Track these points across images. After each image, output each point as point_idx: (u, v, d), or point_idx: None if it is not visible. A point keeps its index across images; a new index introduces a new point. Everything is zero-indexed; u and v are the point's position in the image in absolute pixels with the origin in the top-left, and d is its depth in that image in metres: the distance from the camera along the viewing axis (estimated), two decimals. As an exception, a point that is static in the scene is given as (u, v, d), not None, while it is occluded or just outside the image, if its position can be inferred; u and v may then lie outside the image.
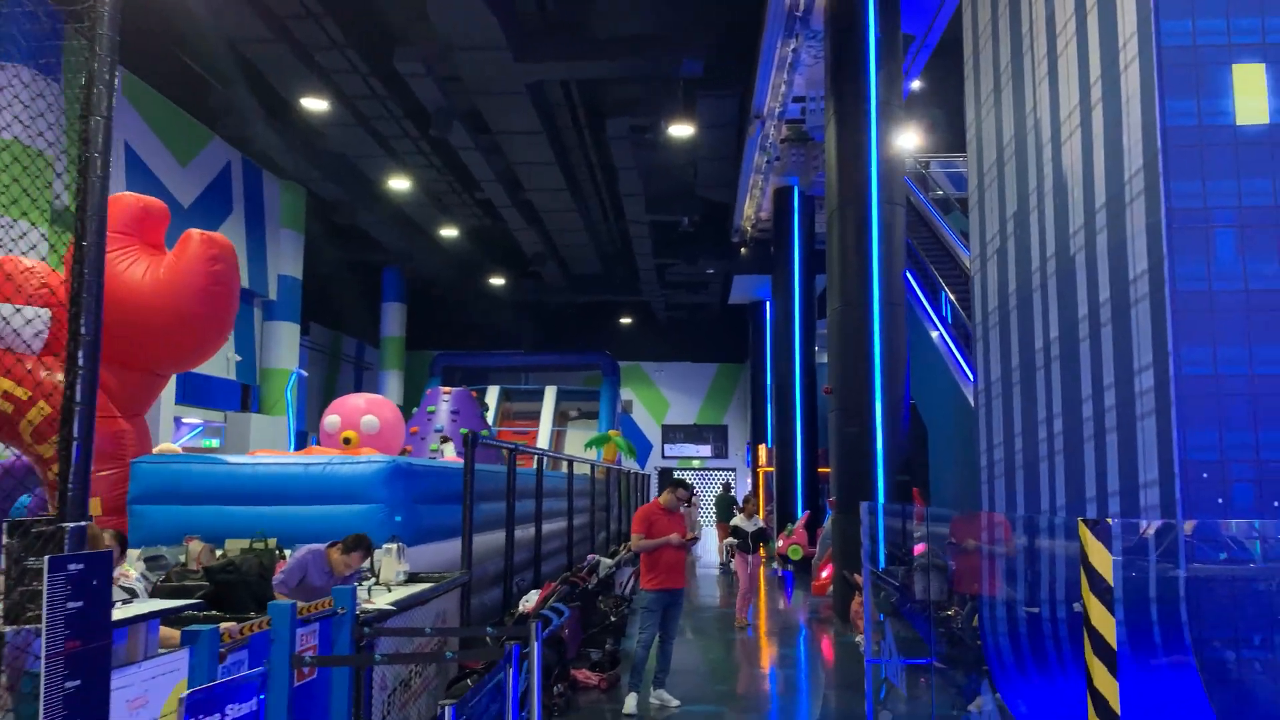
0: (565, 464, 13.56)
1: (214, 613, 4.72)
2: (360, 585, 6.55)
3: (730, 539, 14.38)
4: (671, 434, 35.88)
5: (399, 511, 7.31)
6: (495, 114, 15.84)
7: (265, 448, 17.08)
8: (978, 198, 8.14)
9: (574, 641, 6.92)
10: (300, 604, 4.40)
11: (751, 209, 20.67)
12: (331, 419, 13.54)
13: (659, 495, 7.68)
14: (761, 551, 12.14)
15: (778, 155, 17.57)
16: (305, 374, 20.44)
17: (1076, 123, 5.67)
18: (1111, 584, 2.59)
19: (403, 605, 5.39)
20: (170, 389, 14.54)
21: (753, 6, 13.55)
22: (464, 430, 6.92)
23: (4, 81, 9.42)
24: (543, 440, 26.23)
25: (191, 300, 7.04)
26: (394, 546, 6.82)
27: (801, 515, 18.74)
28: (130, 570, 5.30)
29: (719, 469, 36.02)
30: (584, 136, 18.02)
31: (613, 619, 8.11)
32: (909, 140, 20.47)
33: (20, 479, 7.90)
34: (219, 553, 6.94)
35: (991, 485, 7.33)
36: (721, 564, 20.86)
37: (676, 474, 36.34)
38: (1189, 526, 4.27)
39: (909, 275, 15.15)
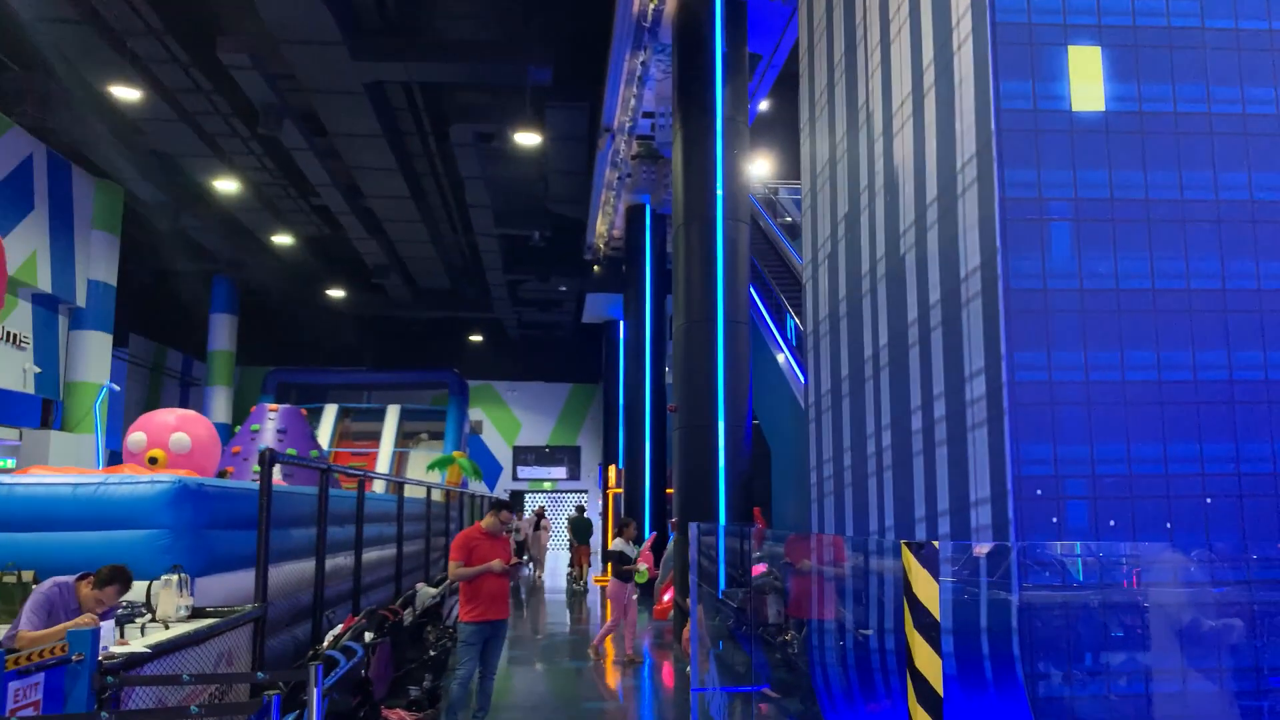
0: (386, 486, 12.80)
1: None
2: (134, 623, 5.74)
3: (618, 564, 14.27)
4: (523, 455, 35.19)
5: (185, 538, 6.51)
6: (331, 114, 14.97)
7: (68, 465, 15.49)
8: (810, 202, 8.00)
9: (383, 680, 6.29)
10: (12, 649, 3.66)
11: (604, 226, 20.41)
12: (136, 436, 12.37)
13: (483, 518, 7.14)
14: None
15: (629, 172, 17.37)
16: (117, 388, 18.77)
17: (909, 113, 5.50)
18: (938, 618, 2.29)
19: (166, 647, 4.65)
20: (-53, 402, 12.95)
21: (603, 16, 13.28)
22: (262, 448, 6.20)
23: None
24: (383, 462, 25.11)
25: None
26: (174, 578, 6.03)
27: (648, 537, 18.43)
28: None
29: (572, 491, 35.57)
30: (428, 143, 17.33)
31: (432, 653, 7.49)
32: (760, 167, 20.71)
33: None
34: (-40, 588, 5.98)
35: (821, 504, 7.13)
36: (573, 589, 20.35)
37: (529, 497, 35.68)
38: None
39: (756, 298, 15.16)
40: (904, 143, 5.56)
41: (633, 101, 14.63)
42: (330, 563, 9.77)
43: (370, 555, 11.67)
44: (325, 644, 6.48)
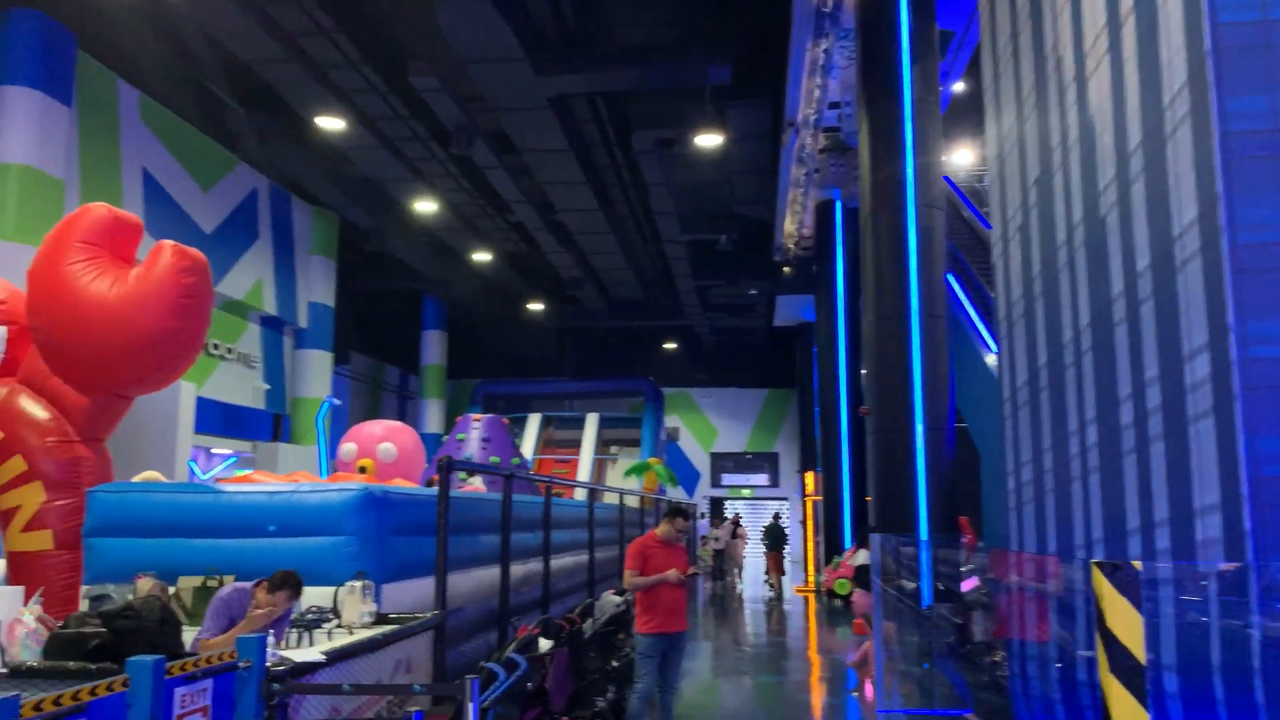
0: (587, 493, 12.86)
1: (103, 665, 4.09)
2: (321, 628, 5.89)
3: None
4: (721, 462, 34.95)
5: (370, 544, 6.65)
6: (519, 131, 15.33)
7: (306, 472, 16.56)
8: (996, 170, 7.20)
9: (561, 691, 6.17)
10: (189, 654, 3.74)
11: (793, 225, 19.88)
12: (347, 447, 13.05)
13: (658, 525, 6.91)
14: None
15: (816, 167, 16.80)
16: (338, 402, 20.07)
17: (1104, 48, 4.71)
18: (1141, 659, 1.80)
19: (339, 654, 4.69)
20: (189, 417, 14.16)
21: (780, 7, 12.86)
22: (466, 456, 6.22)
23: (16, 105, 8.99)
24: (584, 469, 25.56)
25: (160, 314, 6.51)
26: (358, 584, 6.15)
27: (849, 547, 17.72)
28: (27, 616, 4.70)
29: (771, 498, 34.95)
30: (613, 153, 17.45)
31: (614, 663, 7.33)
32: (961, 156, 19.52)
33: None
34: (171, 591, 6.35)
35: (1020, 512, 6.33)
36: (770, 598, 19.90)
37: (728, 504, 35.37)
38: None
39: (960, 293, 14.19)
40: (1099, 85, 4.78)
41: (816, 93, 14.10)
42: (522, 568, 9.86)
43: (564, 561, 11.75)
44: (498, 654, 6.45)
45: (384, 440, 12.93)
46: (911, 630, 8.80)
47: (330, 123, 14.56)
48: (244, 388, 17.57)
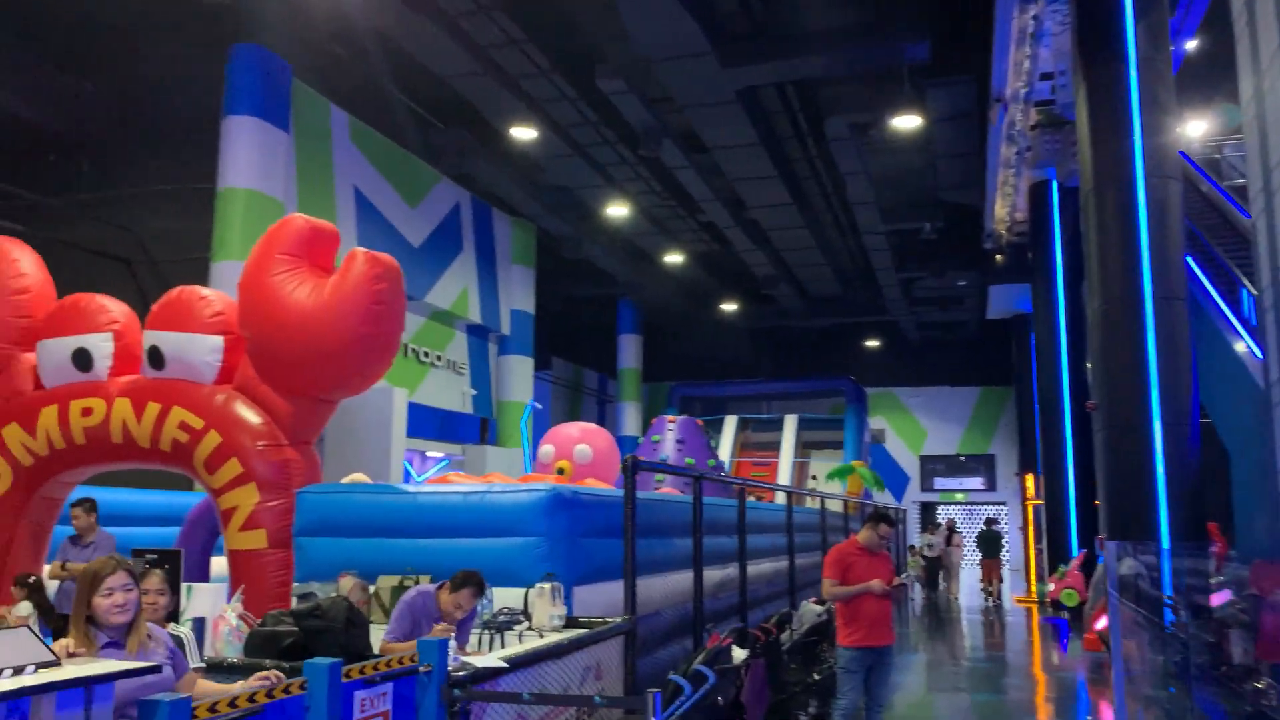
0: (784, 496, 12.41)
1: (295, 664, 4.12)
2: (512, 630, 5.83)
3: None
4: (931, 465, 33.36)
5: (560, 546, 6.56)
6: (707, 127, 15.10)
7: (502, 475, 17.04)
8: (1253, 130, 6.15)
9: (758, 705, 5.83)
10: (360, 660, 3.68)
11: (1004, 209, 18.56)
12: (545, 449, 13.23)
13: (859, 531, 6.41)
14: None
15: (1028, 145, 15.56)
16: (539, 406, 20.58)
17: None
18: None
19: (522, 660, 4.55)
20: (401, 422, 14.86)
21: (983, -27, 11.97)
22: (627, 457, 6.05)
23: (239, 134, 9.65)
24: (783, 472, 24.99)
25: (355, 320, 6.71)
26: (548, 586, 6.05)
27: (1076, 555, 16.28)
28: (230, 613, 4.85)
29: (987, 503, 33.00)
30: (806, 145, 16.90)
31: (816, 676, 6.89)
32: (1194, 128, 17.59)
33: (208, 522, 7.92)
34: (371, 589, 6.49)
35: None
36: (987, 607, 18.66)
37: (940, 509, 33.70)
38: None
39: (1200, 274, 12.68)
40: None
41: (1026, 64, 13.01)
42: (719, 573, 9.56)
43: (762, 568, 11.36)
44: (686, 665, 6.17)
45: (580, 442, 13.01)
46: (1153, 649, 7.82)
47: (523, 132, 14.87)
48: (453, 393, 18.29)
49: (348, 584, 6.36)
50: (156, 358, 7.13)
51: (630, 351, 27.24)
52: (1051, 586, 16.14)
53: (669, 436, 17.59)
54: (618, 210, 19.11)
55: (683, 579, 7.90)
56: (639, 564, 7.05)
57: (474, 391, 18.85)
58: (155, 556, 5.54)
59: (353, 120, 14.86)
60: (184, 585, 5.58)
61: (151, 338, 7.17)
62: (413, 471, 20.34)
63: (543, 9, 12.63)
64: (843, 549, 6.28)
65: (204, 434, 6.90)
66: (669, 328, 29.62)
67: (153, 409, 7.00)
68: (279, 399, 7.00)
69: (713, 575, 9.21)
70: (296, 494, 6.90)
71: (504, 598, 6.26)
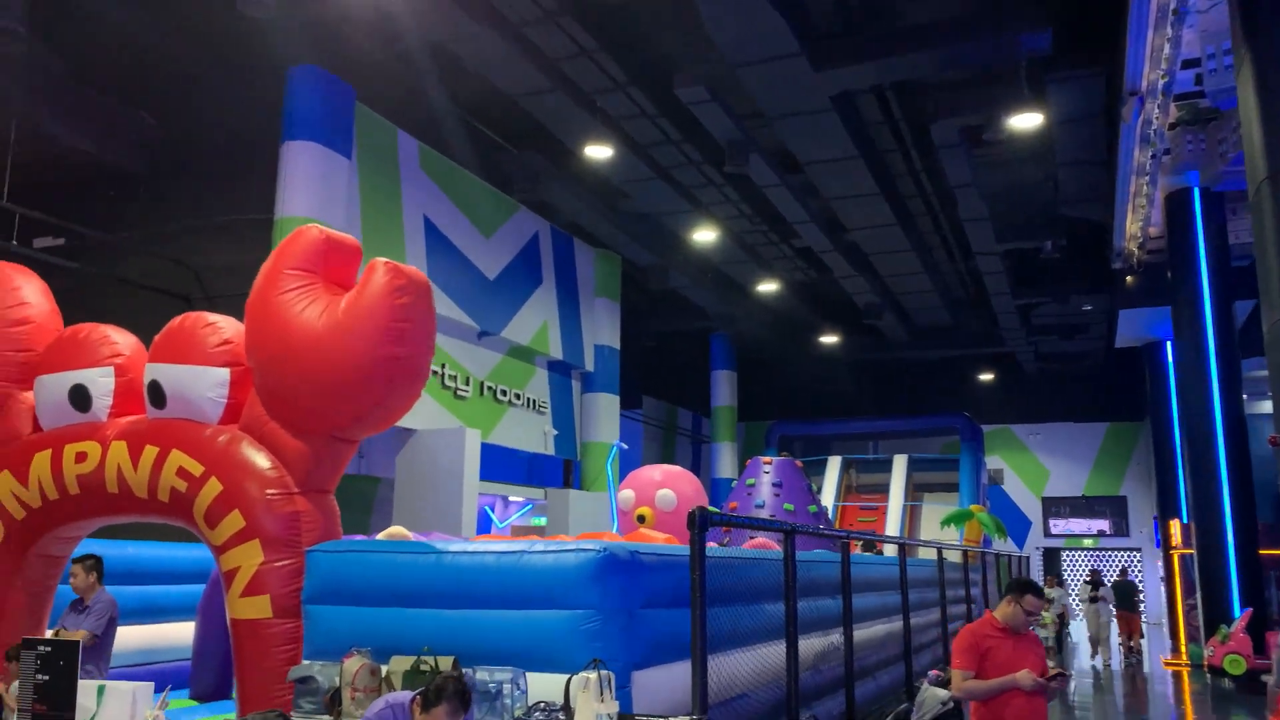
0: (898, 548, 10.89)
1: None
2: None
3: None
4: (1054, 508, 30.87)
5: (615, 620, 5.28)
6: (798, 139, 13.83)
7: (586, 529, 15.96)
8: None
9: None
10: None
11: (1136, 224, 16.63)
12: (625, 494, 12.00)
13: (995, 607, 4.94)
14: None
15: (1166, 147, 13.75)
16: (625, 446, 19.38)
17: None
18: None
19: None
20: (474, 464, 13.86)
21: (1113, -54, 10.45)
22: (692, 510, 4.76)
23: (298, 160, 8.72)
24: (893, 517, 23.13)
25: (374, 341, 5.64)
26: (594, 676, 4.77)
27: (1241, 614, 14.11)
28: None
29: (1118, 548, 30.31)
30: (910, 157, 15.43)
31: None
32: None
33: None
34: (384, 672, 5.32)
35: None
36: (1130, 664, 16.52)
37: (1064, 555, 31.09)
38: None
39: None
40: None
41: (1166, 49, 11.33)
42: (822, 642, 8.13)
43: (872, 631, 9.86)
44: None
45: (662, 486, 11.74)
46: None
47: (598, 150, 13.86)
48: (533, 434, 17.27)
49: (353, 666, 5.20)
50: (157, 394, 6.19)
51: (724, 389, 25.86)
52: (1211, 650, 13.99)
53: (764, 480, 16.15)
54: (705, 235, 17.91)
55: (774, 652, 6.51)
56: (717, 637, 5.71)
57: (555, 432, 17.80)
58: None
59: (422, 147, 14.12)
60: (98, 684, 4.49)
61: (152, 371, 6.23)
62: (494, 517, 19.38)
63: (613, 12, 11.63)
64: (976, 630, 4.84)
65: (204, 481, 5.89)
66: (765, 363, 28.15)
67: (150, 453, 6.03)
68: (289, 438, 5.94)
69: (812, 645, 7.77)
70: (306, 553, 5.82)
71: (541, 688, 5.00)
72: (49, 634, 6.70)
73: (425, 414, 14.20)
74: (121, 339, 6.60)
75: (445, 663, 5.15)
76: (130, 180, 13.09)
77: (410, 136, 13.88)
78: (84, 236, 12.77)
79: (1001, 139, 13.24)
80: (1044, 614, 19.88)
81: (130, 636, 8.01)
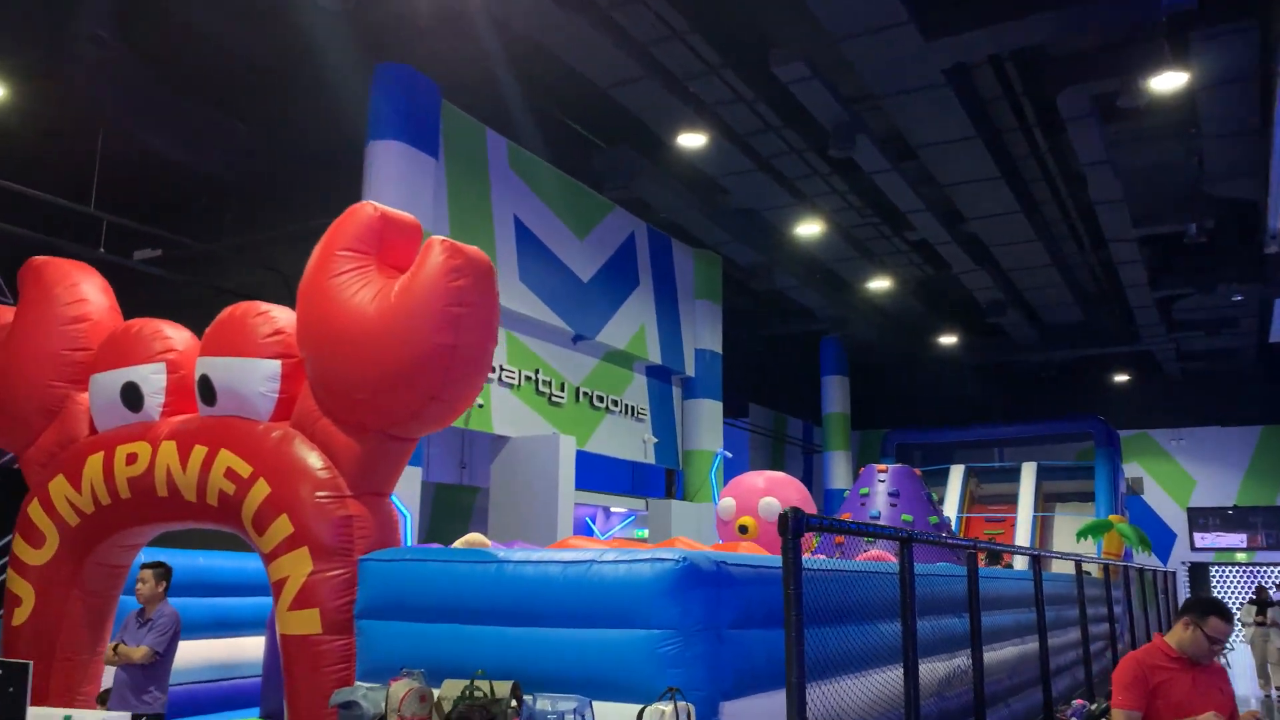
0: (1026, 560, 9.80)
1: None
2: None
3: None
4: (1202, 519, 28.44)
5: (696, 642, 4.54)
6: (909, 119, 12.81)
7: (687, 538, 15.23)
8: None
9: None
10: None
11: (1294, 201, 14.90)
12: (725, 502, 11.27)
13: (1169, 630, 3.95)
14: None
15: (1333, 109, 12.17)
16: (729, 455, 18.54)
17: None
18: None
19: None
20: (569, 472, 13.29)
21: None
22: (785, 511, 3.99)
23: (383, 159, 8.33)
24: (1022, 528, 21.56)
25: (429, 328, 5.07)
26: (668, 709, 4.06)
27: None
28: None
29: (1275, 563, 27.75)
30: (1033, 136, 14.18)
31: None
32: None
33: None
34: (436, 695, 4.71)
35: None
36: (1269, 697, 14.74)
37: (1214, 570, 28.64)
38: None
39: None
40: None
41: (1335, -8, 9.93)
42: (946, 666, 7.20)
43: (1002, 653, 8.83)
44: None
45: (766, 494, 10.95)
46: None
47: (692, 139, 13.14)
48: (632, 441, 16.62)
49: (400, 690, 4.60)
50: (207, 390, 5.77)
51: (836, 395, 24.70)
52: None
53: (880, 489, 15.06)
54: (810, 230, 16.96)
55: (891, 678, 5.66)
56: (820, 662, 4.89)
57: (656, 439, 17.09)
58: None
59: (511, 145, 13.69)
60: (63, 714, 3.97)
61: (203, 366, 5.82)
62: (595, 528, 18.81)
63: (706, -9, 10.94)
64: (1144, 660, 3.88)
65: (252, 483, 5.43)
66: (880, 367, 26.82)
67: (198, 453, 5.62)
68: (341, 436, 5.42)
69: (935, 669, 6.85)
70: (359, 562, 5.28)
71: (609, 720, 4.31)
72: (109, 647, 6.36)
73: (520, 420, 13.73)
74: (175, 334, 6.23)
75: (502, 688, 4.49)
76: (223, 188, 13.07)
77: (499, 135, 13.48)
78: (181, 246, 12.80)
79: (1140, 106, 11.90)
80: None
81: (201, 651, 7.68)
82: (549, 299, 14.13)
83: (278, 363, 5.66)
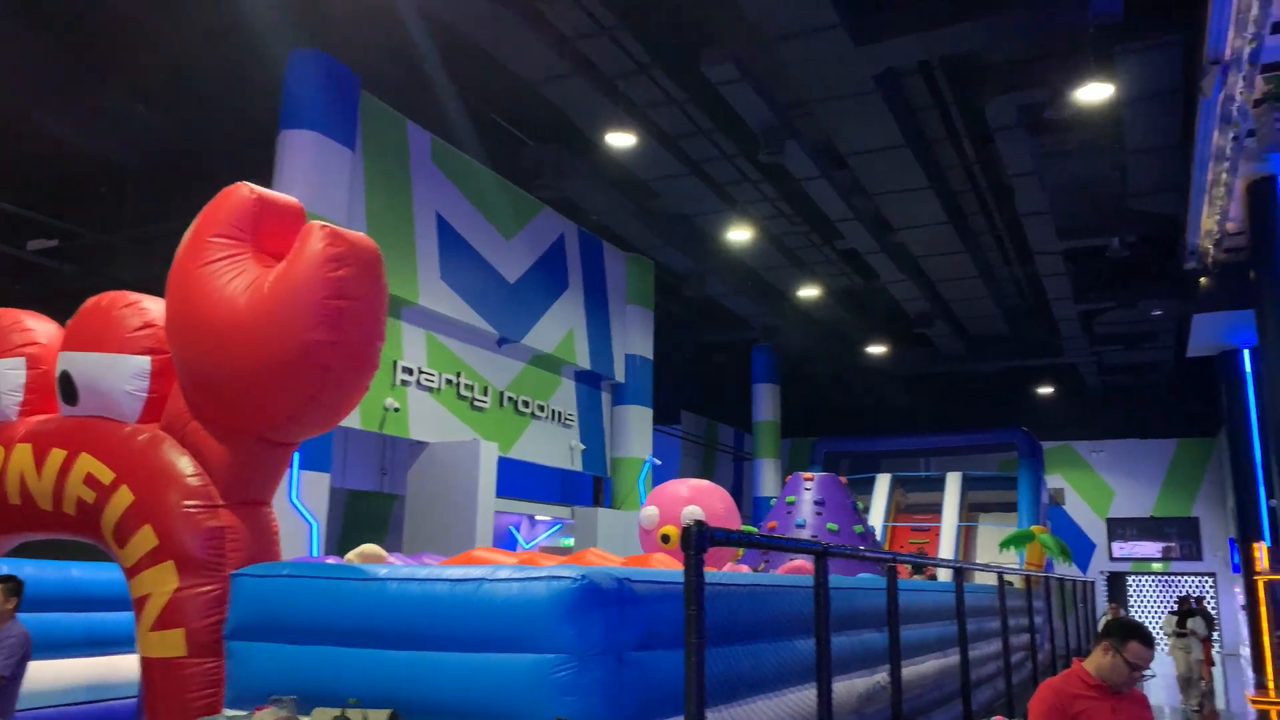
0: (953, 573, 9.69)
1: None
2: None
3: None
4: (1120, 529, 29.10)
5: (593, 667, 4.20)
6: (840, 126, 12.71)
7: (602, 550, 14.90)
8: None
9: None
10: None
11: (1212, 218, 15.14)
12: (648, 511, 10.92)
13: (1087, 655, 3.72)
14: None
15: (1250, 127, 12.35)
16: (659, 462, 18.27)
17: None
18: None
19: None
20: (490, 479, 12.86)
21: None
22: (689, 523, 3.68)
23: (295, 149, 7.70)
24: (946, 538, 21.69)
25: (302, 323, 4.64)
26: (554, 743, 3.68)
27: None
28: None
29: (1190, 573, 28.48)
30: (962, 146, 14.20)
31: None
32: None
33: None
34: (306, 728, 4.27)
35: None
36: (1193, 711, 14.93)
37: (1131, 580, 29.29)
38: None
39: None
40: None
41: (1254, 9, 10.03)
42: (866, 682, 6.98)
43: (923, 668, 8.67)
44: None
45: (690, 502, 10.64)
46: None
47: (620, 139, 12.85)
48: (559, 448, 16.23)
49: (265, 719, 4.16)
50: (68, 387, 5.26)
51: (766, 403, 24.60)
52: (1314, 692, 12.43)
53: (806, 497, 14.98)
54: (740, 235, 16.79)
55: (808, 698, 5.40)
56: (731, 683, 4.62)
57: (583, 446, 16.73)
58: None
59: (435, 140, 13.24)
60: None
61: (64, 361, 5.31)
62: (519, 537, 18.34)
63: (635, -15, 10.66)
64: (1062, 688, 3.65)
65: (114, 490, 4.95)
66: (811, 376, 26.84)
67: (55, 457, 5.10)
68: (212, 440, 4.97)
69: (853, 686, 6.62)
70: (230, 578, 4.83)
71: (494, 756, 3.95)
72: (-41, 669, 5.77)
73: (440, 426, 13.25)
74: (38, 325, 5.69)
75: (378, 717, 4.09)
76: (124, 175, 12.37)
77: (421, 129, 13.01)
78: (78, 236, 12.08)
79: (1066, 116, 11.96)
80: None
81: (75, 670, 7.09)
82: (473, 300, 13.69)
83: (147, 359, 5.18)
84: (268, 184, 10.93)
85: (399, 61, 12.14)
